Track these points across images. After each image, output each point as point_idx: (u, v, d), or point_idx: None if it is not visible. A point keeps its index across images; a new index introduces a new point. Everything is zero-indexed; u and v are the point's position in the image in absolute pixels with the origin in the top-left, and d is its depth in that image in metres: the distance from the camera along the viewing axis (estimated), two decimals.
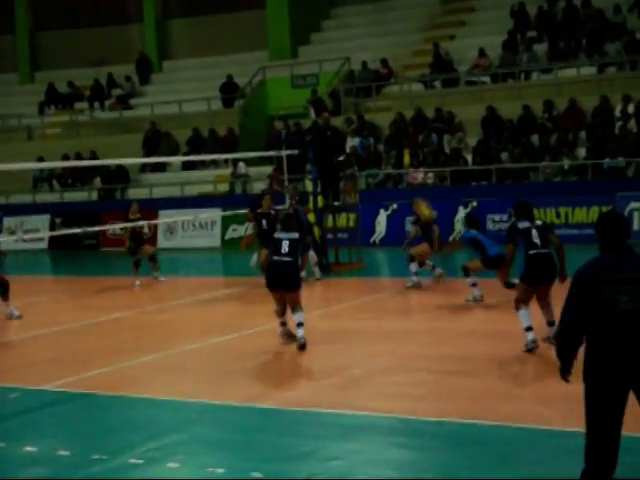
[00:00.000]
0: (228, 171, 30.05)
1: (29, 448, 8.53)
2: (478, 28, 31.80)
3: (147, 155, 30.53)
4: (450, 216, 24.05)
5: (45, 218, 30.43)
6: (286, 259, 12.32)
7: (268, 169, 28.56)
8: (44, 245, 29.97)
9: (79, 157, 31.41)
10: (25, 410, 10.10)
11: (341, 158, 21.07)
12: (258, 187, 28.58)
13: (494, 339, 12.45)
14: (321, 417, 9.06)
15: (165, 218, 27.10)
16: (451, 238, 23.80)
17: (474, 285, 15.51)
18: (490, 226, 23.57)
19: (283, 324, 12.78)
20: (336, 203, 20.88)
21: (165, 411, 9.74)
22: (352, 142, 27.27)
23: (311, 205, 20.86)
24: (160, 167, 31.80)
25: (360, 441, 8.32)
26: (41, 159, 30.51)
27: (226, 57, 35.36)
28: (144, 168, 32.03)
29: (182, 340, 13.51)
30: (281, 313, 12.63)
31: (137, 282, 19.95)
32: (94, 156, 31.13)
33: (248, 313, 15.88)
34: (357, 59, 31.32)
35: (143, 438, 8.68)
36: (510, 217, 16.41)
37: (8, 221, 30.64)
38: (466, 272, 15.45)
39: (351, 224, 22.41)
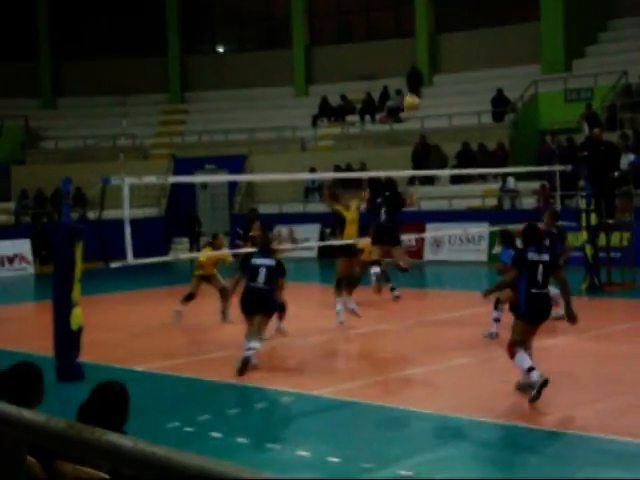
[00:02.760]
0: (497, 186, 29.75)
1: (301, 452, 8.74)
2: None
3: (416, 168, 30.73)
4: None
5: (315, 227, 31.27)
6: None
7: (538, 185, 28.07)
8: (314, 254, 30.74)
9: (349, 169, 32.07)
10: (298, 415, 10.39)
11: (616, 174, 20.42)
12: (527, 203, 28.15)
13: None
14: (595, 442, 8.75)
15: (432, 231, 27.19)
16: None
17: (497, 321, 14.44)
18: None
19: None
20: (610, 221, 20.22)
21: (433, 425, 9.72)
22: (627, 158, 26.30)
23: (584, 222, 20.30)
24: (428, 180, 31.93)
25: (637, 470, 7.98)
26: (313, 170, 31.39)
27: (497, 70, 35.01)
28: (412, 181, 32.27)
29: (447, 355, 13.46)
30: None
31: None
32: (364, 168, 31.68)
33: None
34: (635, 72, 30.19)
35: (412, 451, 8.70)
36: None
37: (280, 230, 31.78)
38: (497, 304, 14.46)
39: (625, 243, 21.64)
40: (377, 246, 16.28)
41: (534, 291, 10.37)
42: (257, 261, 12.74)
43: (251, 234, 21.65)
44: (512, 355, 10.43)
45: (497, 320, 14.57)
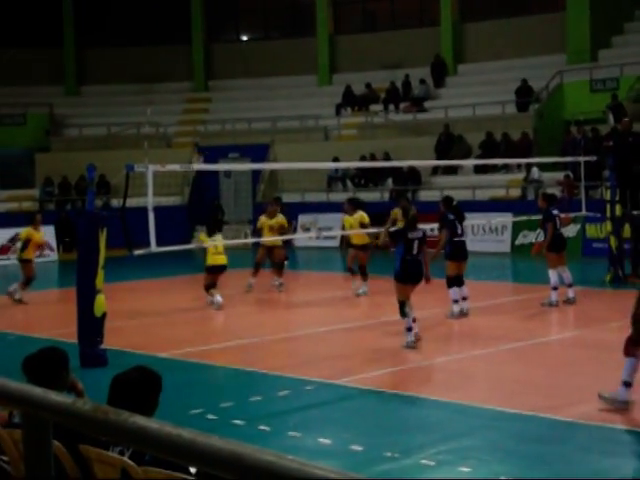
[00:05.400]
0: (521, 176, 29.63)
1: (324, 440, 8.75)
2: None
3: (439, 158, 30.65)
4: None
5: (338, 217, 31.15)
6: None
7: (562, 175, 27.93)
8: (335, 243, 30.68)
9: (373, 158, 32.00)
10: (320, 403, 10.38)
11: None
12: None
13: None
14: (621, 435, 8.71)
15: None
16: None
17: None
18: None
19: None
20: (635, 212, 20.10)
21: (456, 415, 9.70)
22: None
23: (608, 213, 20.17)
24: (452, 170, 31.84)
25: None
26: (336, 159, 31.34)
27: (522, 60, 34.83)
28: (436, 171, 32.19)
29: (471, 345, 13.43)
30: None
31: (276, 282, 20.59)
32: (387, 157, 31.62)
33: (539, 320, 15.57)
34: None
35: (434, 440, 8.69)
36: None
37: (303, 219, 31.81)
38: None
39: None
40: (456, 262, 16.05)
41: None
42: (411, 235, 13.42)
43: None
44: (625, 352, 9.50)
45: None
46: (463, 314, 15.74)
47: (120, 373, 5.21)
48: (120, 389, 5.10)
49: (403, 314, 13.18)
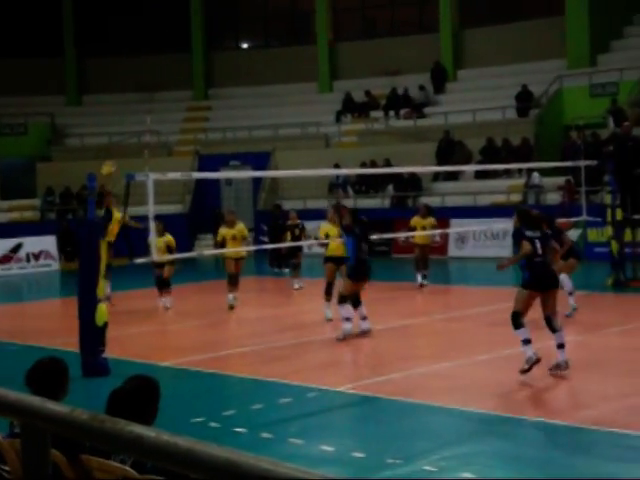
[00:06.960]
0: (522, 181, 29.64)
1: (326, 447, 8.74)
2: None
3: (440, 164, 30.66)
4: None
5: None
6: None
7: (563, 180, 27.95)
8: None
9: (374, 164, 32.02)
10: (322, 410, 10.39)
11: None
12: (552, 198, 28.04)
13: None
14: (622, 439, 8.69)
15: (456, 227, 27.11)
16: None
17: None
18: None
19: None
20: (636, 216, 20.11)
21: (457, 420, 9.70)
22: None
23: (609, 217, 20.20)
24: (453, 176, 31.84)
25: None
26: (337, 166, 31.36)
27: (522, 65, 34.86)
28: (437, 177, 32.21)
29: (472, 350, 13.42)
30: None
31: (296, 285, 21.95)
32: (388, 164, 31.64)
33: (540, 325, 15.54)
34: None
35: (437, 446, 8.68)
36: None
37: (307, 225, 31.79)
38: None
39: None
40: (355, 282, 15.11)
41: None
42: (530, 234, 11.71)
43: (289, 222, 22.19)
44: None
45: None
46: (364, 333, 14.80)
47: (117, 387, 5.21)
48: (118, 402, 5.09)
49: (517, 325, 11.64)
